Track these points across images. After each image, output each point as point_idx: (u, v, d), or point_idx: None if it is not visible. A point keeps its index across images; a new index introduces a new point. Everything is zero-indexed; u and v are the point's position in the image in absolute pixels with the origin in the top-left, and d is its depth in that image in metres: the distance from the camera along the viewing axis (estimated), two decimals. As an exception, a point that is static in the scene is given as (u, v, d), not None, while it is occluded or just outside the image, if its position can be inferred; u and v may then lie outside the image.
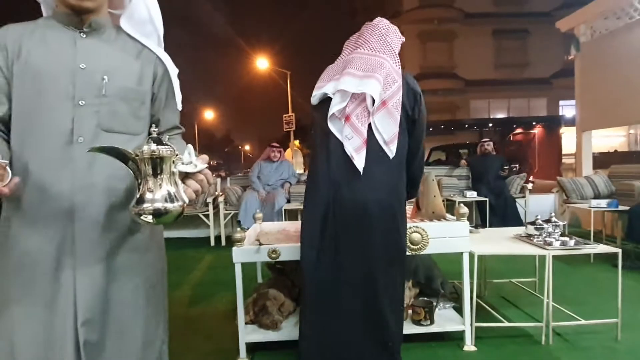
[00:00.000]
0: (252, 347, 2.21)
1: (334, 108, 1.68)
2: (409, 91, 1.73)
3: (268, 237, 2.47)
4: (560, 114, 20.61)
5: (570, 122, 15.02)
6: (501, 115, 22.06)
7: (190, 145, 1.02)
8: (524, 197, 5.45)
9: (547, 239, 2.34)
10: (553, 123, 16.86)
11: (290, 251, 2.13)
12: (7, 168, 0.90)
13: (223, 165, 31.83)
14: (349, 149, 1.64)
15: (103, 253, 1.08)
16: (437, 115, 20.94)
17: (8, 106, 1.07)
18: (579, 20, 5.58)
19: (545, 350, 2.17)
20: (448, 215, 2.36)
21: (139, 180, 0.92)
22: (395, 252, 1.71)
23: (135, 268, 1.14)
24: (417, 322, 2.24)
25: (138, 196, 0.91)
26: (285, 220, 4.87)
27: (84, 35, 1.10)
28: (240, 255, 2.12)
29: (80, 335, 1.04)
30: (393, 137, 1.70)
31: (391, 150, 1.70)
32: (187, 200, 0.95)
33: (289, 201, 5.20)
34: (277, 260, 2.13)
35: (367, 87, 1.64)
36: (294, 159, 11.83)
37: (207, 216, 5.21)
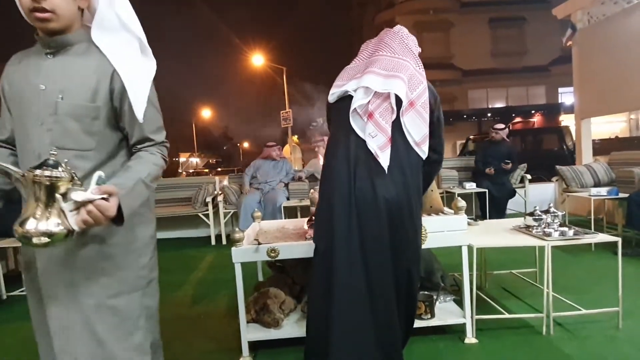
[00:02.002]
0: (254, 345, 2.22)
1: (356, 103, 1.66)
2: (430, 94, 1.76)
3: (267, 235, 2.47)
4: (559, 101, 20.52)
5: (570, 110, 14.92)
6: (499, 104, 21.98)
7: (99, 172, 1.04)
8: (523, 187, 5.44)
9: (546, 229, 2.33)
10: (552, 111, 16.80)
11: (288, 249, 2.13)
12: None
13: (222, 163, 31.79)
14: (372, 147, 1.62)
15: (64, 270, 1.16)
16: (435, 107, 20.82)
17: (10, 129, 1.21)
18: (575, 6, 5.53)
19: (546, 340, 2.18)
20: (446, 209, 2.36)
21: (25, 201, 0.98)
22: (412, 250, 1.72)
23: (98, 282, 1.18)
24: (418, 316, 2.24)
25: (22, 217, 0.95)
26: (285, 217, 4.87)
27: (50, 56, 1.16)
28: (239, 255, 2.12)
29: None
30: (424, 138, 1.71)
31: (423, 151, 1.72)
32: (74, 228, 0.98)
33: (288, 198, 5.20)
34: (277, 258, 2.14)
35: (392, 86, 1.64)
36: (292, 155, 11.79)
37: (206, 216, 5.21)
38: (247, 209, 4.91)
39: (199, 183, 5.54)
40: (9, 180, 1.19)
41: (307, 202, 5.03)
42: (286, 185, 5.35)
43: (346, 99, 1.73)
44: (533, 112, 17.30)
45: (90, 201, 0.98)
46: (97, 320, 1.16)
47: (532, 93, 21.98)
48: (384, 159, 1.61)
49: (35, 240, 0.94)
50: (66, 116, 1.13)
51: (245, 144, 40.21)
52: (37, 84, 1.13)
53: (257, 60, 15.51)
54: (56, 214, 0.95)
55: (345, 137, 1.70)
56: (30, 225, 0.94)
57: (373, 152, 1.62)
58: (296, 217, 5.03)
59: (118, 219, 1.07)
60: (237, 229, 2.19)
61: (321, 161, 5.54)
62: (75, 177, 0.99)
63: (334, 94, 1.79)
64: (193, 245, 5.21)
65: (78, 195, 0.97)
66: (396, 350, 1.69)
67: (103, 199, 1.00)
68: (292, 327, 2.27)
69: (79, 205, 0.98)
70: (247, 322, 2.23)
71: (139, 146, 1.24)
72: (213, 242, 5.22)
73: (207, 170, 24.90)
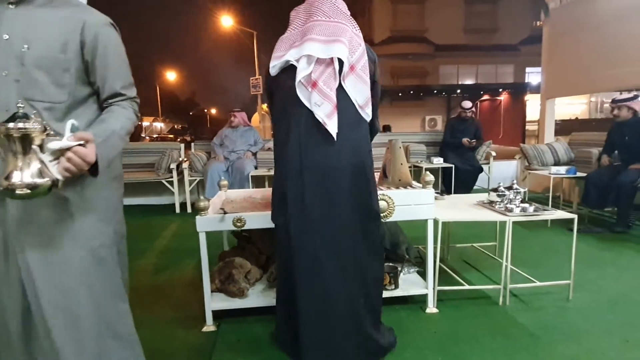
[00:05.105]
0: (218, 314, 2.20)
1: (300, 74, 1.61)
2: (370, 55, 1.73)
3: (233, 205, 2.42)
4: (526, 81, 20.99)
5: (535, 90, 15.36)
6: (469, 81, 22.25)
7: (72, 120, 1.04)
8: (488, 163, 5.58)
9: (508, 205, 2.40)
10: (519, 90, 17.20)
11: (255, 219, 2.09)
12: None
13: (188, 129, 30.82)
14: (320, 115, 1.59)
15: (32, 223, 1.13)
16: (406, 80, 20.82)
17: None
18: (548, -15, 5.57)
19: (502, 310, 2.28)
20: (414, 183, 2.37)
21: (5, 156, 0.96)
22: (370, 215, 1.73)
23: (83, 235, 1.18)
24: (382, 287, 2.28)
25: (5, 172, 0.95)
26: (252, 186, 4.80)
27: (13, 6, 1.13)
28: (204, 224, 2.07)
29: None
30: (367, 101, 1.71)
31: (367, 114, 1.72)
32: (57, 177, 0.98)
33: (256, 167, 5.12)
34: (243, 228, 2.10)
35: (333, 51, 1.60)
36: (261, 124, 11.58)
37: (171, 183, 5.07)
38: (214, 177, 4.81)
39: (163, 149, 5.35)
40: None
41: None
42: (254, 154, 5.25)
43: (288, 69, 1.67)
44: (501, 90, 17.63)
45: (68, 148, 0.98)
46: (87, 271, 1.19)
47: (501, 71, 22.33)
48: (332, 127, 1.59)
49: (19, 191, 0.94)
50: (34, 67, 1.11)
51: (213, 110, 39.12)
52: (0, 34, 1.10)
53: (226, 21, 14.87)
54: (37, 165, 0.96)
55: (291, 109, 1.66)
56: (16, 177, 0.93)
57: (321, 120, 1.59)
58: (264, 186, 4.97)
59: (94, 169, 1.06)
60: (202, 197, 2.12)
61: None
62: (48, 128, 0.99)
63: (274, 66, 1.70)
64: (157, 213, 5.08)
65: (55, 144, 0.97)
66: (364, 321, 1.72)
67: (80, 145, 1.00)
68: (258, 297, 2.26)
69: (58, 155, 0.98)
70: (212, 291, 2.20)
71: (110, 101, 1.25)
72: (177, 210, 5.11)
73: (171, 136, 24.14)
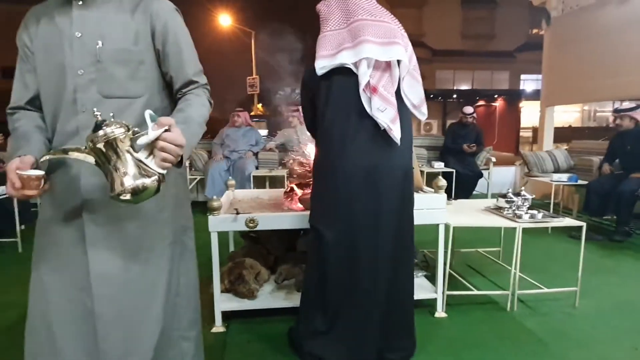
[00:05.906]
0: (226, 315, 2.19)
1: (363, 80, 1.57)
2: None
3: (242, 205, 2.41)
4: (521, 88, 21.16)
5: (530, 97, 15.50)
6: (465, 86, 22.39)
7: (148, 111, 0.97)
8: (487, 169, 5.61)
9: (516, 211, 2.42)
10: (514, 96, 17.31)
11: (268, 220, 2.08)
12: (42, 179, 0.99)
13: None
14: (384, 120, 1.57)
15: (109, 224, 1.11)
16: (403, 84, 20.83)
17: (36, 87, 1.13)
18: (551, -6, 5.63)
19: (510, 316, 2.29)
20: (425, 187, 2.38)
21: (104, 167, 0.94)
22: (411, 208, 1.77)
23: (157, 233, 1.17)
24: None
25: (114, 181, 0.93)
26: (253, 186, 4.79)
27: (80, 2, 1.09)
28: (216, 224, 2.05)
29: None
30: (422, 100, 1.72)
31: (423, 113, 1.74)
32: (160, 171, 0.95)
33: (257, 167, 5.10)
34: (255, 229, 2.09)
35: (392, 53, 1.59)
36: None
37: (172, 180, 5.01)
38: (214, 176, 4.79)
39: (164, 146, 5.28)
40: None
41: (275, 173, 4.95)
42: (255, 154, 5.23)
43: (337, 72, 1.62)
44: (496, 96, 17.73)
45: (157, 139, 0.94)
46: (158, 267, 1.18)
47: (497, 78, 22.49)
48: (397, 132, 1.59)
49: (129, 196, 0.92)
50: (110, 62, 1.08)
51: (208, 109, 38.83)
52: (72, 32, 1.07)
53: (224, 20, 14.78)
54: (137, 166, 0.93)
55: (347, 115, 1.62)
56: (127, 183, 0.92)
57: (385, 126, 1.57)
58: (265, 186, 4.96)
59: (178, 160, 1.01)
60: (214, 197, 2.11)
61: (294, 131, 5.36)
62: (130, 126, 0.96)
63: (324, 67, 1.63)
64: (156, 211, 5.02)
65: (144, 139, 0.93)
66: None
67: (166, 131, 0.95)
68: (267, 298, 2.25)
69: (150, 149, 0.95)
70: (221, 292, 2.18)
71: (183, 90, 1.21)
72: (177, 208, 5.06)
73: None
